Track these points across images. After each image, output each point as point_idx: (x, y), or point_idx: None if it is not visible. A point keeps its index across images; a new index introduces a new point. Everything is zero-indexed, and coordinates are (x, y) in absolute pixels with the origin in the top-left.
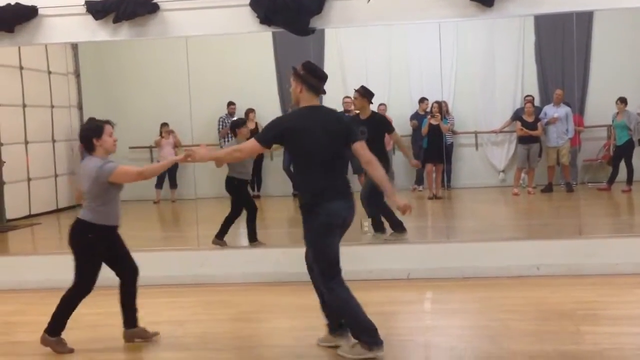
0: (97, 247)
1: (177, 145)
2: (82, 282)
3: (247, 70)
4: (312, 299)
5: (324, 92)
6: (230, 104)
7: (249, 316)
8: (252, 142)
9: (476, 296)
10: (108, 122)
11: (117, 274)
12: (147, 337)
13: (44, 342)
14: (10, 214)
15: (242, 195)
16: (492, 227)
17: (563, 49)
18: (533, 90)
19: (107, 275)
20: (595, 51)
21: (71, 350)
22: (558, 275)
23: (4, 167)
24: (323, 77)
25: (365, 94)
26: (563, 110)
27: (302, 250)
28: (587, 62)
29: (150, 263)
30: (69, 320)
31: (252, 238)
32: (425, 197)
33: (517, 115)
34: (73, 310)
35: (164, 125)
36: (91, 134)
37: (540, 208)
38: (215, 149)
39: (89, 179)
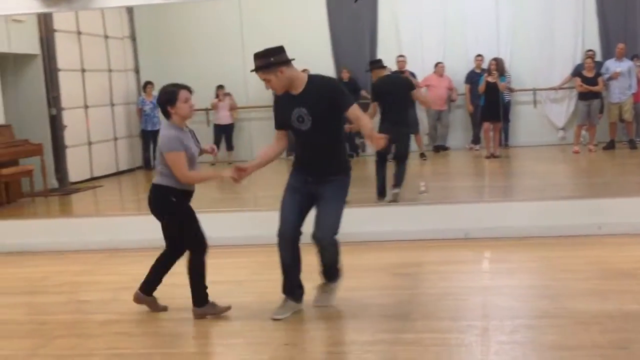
0: (184, 208)
1: (233, 108)
2: (193, 246)
3: (300, 31)
4: (363, 259)
5: None
6: None
7: (305, 276)
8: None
9: (535, 256)
10: (184, 87)
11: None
12: (157, 309)
13: (199, 315)
14: (73, 177)
15: None
16: (551, 185)
17: (626, 0)
18: (594, 44)
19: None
20: None
21: (229, 307)
22: (620, 234)
23: (66, 132)
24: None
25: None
26: (626, 65)
27: (357, 211)
28: None
29: (208, 224)
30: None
31: None
32: (482, 156)
33: (577, 71)
34: (205, 274)
35: (220, 87)
36: (165, 100)
37: (601, 166)
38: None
39: (159, 144)
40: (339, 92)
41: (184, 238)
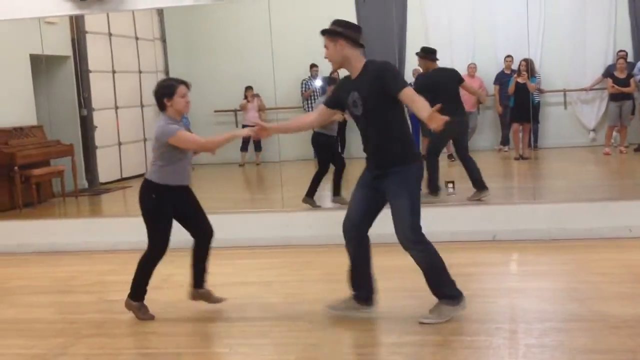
0: (162, 208)
1: (261, 109)
2: (154, 245)
3: None
4: (399, 260)
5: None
6: (313, 66)
7: (334, 277)
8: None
9: (564, 258)
10: (183, 82)
11: (191, 235)
12: (211, 300)
13: (127, 306)
14: (103, 177)
15: (329, 151)
16: (581, 187)
17: None
18: (626, 45)
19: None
20: None
21: (152, 317)
22: None
23: (96, 132)
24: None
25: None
26: None
27: (387, 211)
28: None
29: (236, 225)
30: (159, 281)
31: (336, 192)
32: (511, 157)
33: (608, 72)
34: (151, 274)
35: (249, 88)
36: (163, 93)
37: (632, 168)
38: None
39: (154, 137)
40: (389, 74)
41: (149, 232)
